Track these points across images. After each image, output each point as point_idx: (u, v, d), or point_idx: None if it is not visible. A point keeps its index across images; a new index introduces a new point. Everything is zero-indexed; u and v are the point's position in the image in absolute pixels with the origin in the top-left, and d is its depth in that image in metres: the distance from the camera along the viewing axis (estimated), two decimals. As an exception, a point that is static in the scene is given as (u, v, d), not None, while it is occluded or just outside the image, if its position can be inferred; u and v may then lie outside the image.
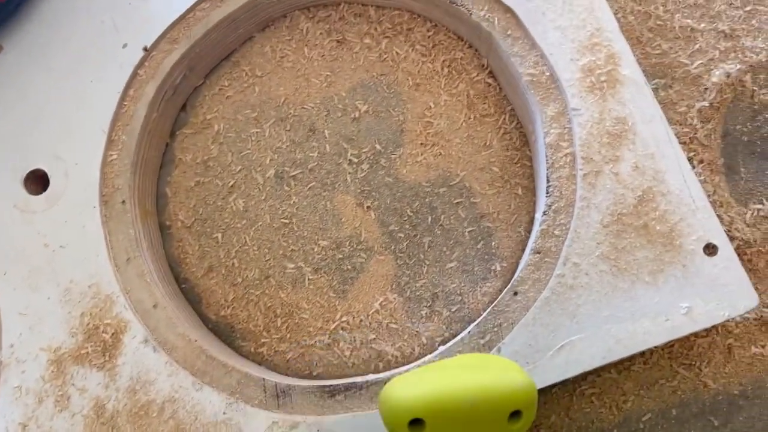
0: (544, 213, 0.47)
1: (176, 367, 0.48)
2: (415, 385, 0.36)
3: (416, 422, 0.35)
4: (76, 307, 0.50)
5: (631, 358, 0.50)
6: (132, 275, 0.51)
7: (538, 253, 0.47)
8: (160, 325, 0.50)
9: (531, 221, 0.53)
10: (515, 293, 0.46)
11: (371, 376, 0.49)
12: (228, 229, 0.57)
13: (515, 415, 0.36)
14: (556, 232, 0.47)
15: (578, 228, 0.46)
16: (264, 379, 0.48)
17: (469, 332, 0.47)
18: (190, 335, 0.50)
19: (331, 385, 0.48)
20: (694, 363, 0.49)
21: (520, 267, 0.48)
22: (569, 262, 0.46)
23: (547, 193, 0.47)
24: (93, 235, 0.52)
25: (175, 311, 0.51)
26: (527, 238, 0.53)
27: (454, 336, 0.52)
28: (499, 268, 0.53)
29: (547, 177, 0.47)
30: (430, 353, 0.51)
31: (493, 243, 0.54)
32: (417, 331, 0.53)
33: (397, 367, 0.52)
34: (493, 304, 0.47)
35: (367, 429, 0.46)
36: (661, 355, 0.49)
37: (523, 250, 0.53)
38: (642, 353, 0.50)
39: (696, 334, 0.49)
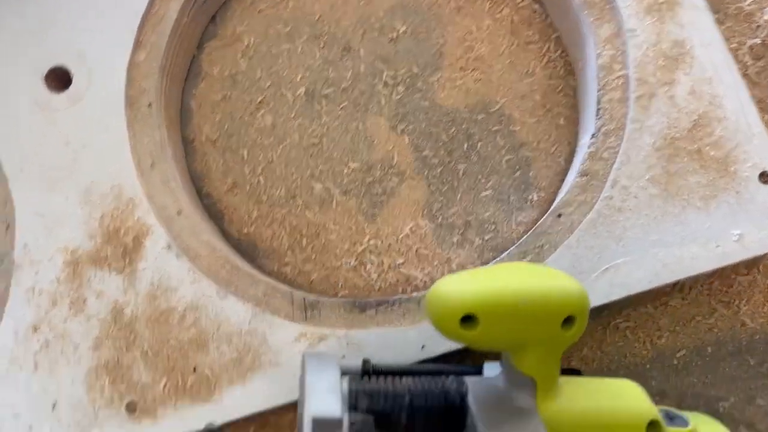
0: (593, 136, 0.46)
1: (199, 275, 0.47)
2: (468, 281, 0.35)
3: (468, 320, 0.34)
4: (96, 209, 0.48)
5: (669, 293, 0.49)
6: (156, 180, 0.49)
7: (585, 175, 0.45)
8: (183, 232, 0.48)
9: (572, 152, 0.52)
10: (559, 215, 0.45)
11: (403, 296, 0.48)
12: (254, 146, 0.55)
13: (568, 321, 0.35)
14: (604, 155, 0.45)
15: (629, 151, 0.45)
16: (292, 291, 0.47)
17: (508, 253, 0.45)
18: (215, 244, 0.48)
19: (361, 301, 0.46)
20: (733, 301, 0.48)
21: (565, 189, 0.46)
22: (618, 184, 0.44)
23: (597, 115, 0.46)
24: (117, 136, 0.49)
25: (199, 221, 0.49)
26: (567, 168, 0.52)
27: (487, 264, 0.51)
28: (536, 198, 0.52)
29: (598, 99, 0.46)
30: (461, 280, 0.50)
31: (531, 173, 0.53)
32: (448, 258, 0.52)
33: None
34: (535, 226, 0.46)
35: (398, 344, 0.44)
36: (699, 291, 0.49)
37: (562, 180, 0.52)
38: (680, 288, 0.49)
39: (737, 272, 0.48)
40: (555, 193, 0.51)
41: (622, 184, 0.44)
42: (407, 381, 0.37)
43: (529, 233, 0.46)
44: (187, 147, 0.56)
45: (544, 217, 0.46)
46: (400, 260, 0.52)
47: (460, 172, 0.53)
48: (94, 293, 0.47)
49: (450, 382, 0.37)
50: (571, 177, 0.49)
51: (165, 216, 0.49)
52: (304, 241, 0.53)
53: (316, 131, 0.55)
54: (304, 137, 0.55)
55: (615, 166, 0.45)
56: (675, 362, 0.49)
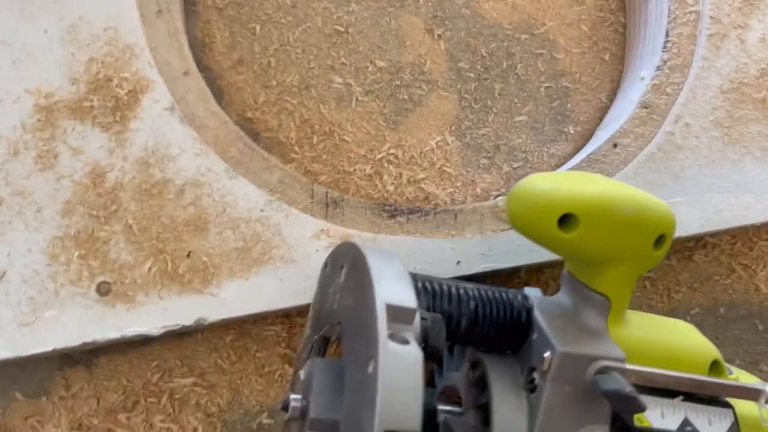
0: (658, 68, 0.43)
1: (206, 148, 0.40)
2: (564, 180, 0.31)
3: (565, 221, 0.30)
4: (83, 51, 0.40)
5: (693, 248, 0.48)
6: (162, 31, 0.42)
7: (646, 108, 0.43)
8: (190, 97, 0.41)
9: (614, 90, 0.50)
10: (615, 145, 0.43)
11: (438, 207, 0.43)
12: (269, 22, 0.48)
13: (659, 241, 0.32)
14: (668, 90, 0.43)
15: (695, 88, 0.43)
16: (313, 183, 0.41)
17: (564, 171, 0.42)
18: (225, 117, 0.42)
19: (392, 206, 0.41)
20: (751, 265, 0.48)
21: (607, 125, 0.44)
22: (681, 121, 0.42)
23: (663, 48, 0.44)
24: (119, -31, 0.41)
25: (206, 88, 0.42)
26: (607, 106, 0.49)
27: (512, 193, 0.48)
28: (572, 132, 0.49)
29: (666, 32, 0.44)
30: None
31: (569, 105, 0.50)
32: (472, 180, 0.48)
33: (445, 214, 0.46)
34: (589, 153, 0.43)
35: (431, 256, 0.40)
36: (722, 251, 0.48)
37: (600, 118, 0.49)
38: (704, 245, 0.48)
39: (759, 236, 0.48)
40: (592, 130, 0.49)
41: (685, 121, 0.42)
42: (470, 288, 0.33)
43: (581, 158, 0.43)
44: (188, 9, 0.48)
45: (600, 144, 0.43)
46: (421, 175, 0.47)
47: (496, 92, 0.49)
48: (69, 149, 0.39)
49: (513, 296, 0.33)
50: (617, 111, 0.47)
51: (169, 74, 0.41)
52: (315, 138, 0.47)
53: (343, 19, 0.49)
54: (328, 23, 0.49)
55: (679, 101, 0.43)
56: (688, 319, 0.48)
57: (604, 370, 0.31)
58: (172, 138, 0.40)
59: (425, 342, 0.29)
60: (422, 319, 0.30)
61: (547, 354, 0.31)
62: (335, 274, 0.35)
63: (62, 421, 0.43)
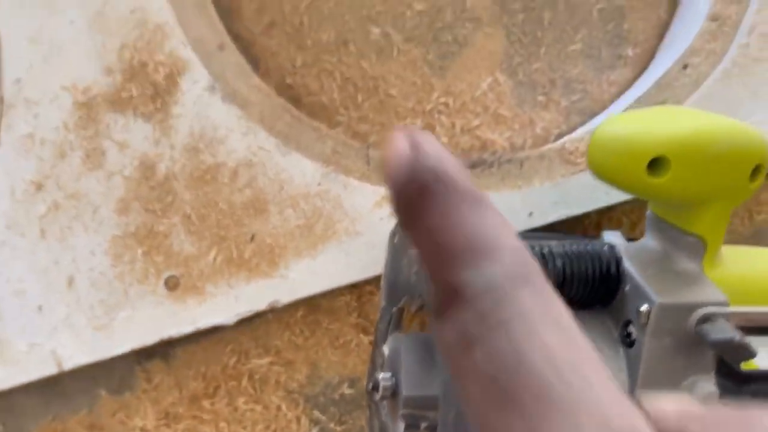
0: (725, -26, 0.40)
1: (253, 125, 0.39)
2: (648, 121, 0.29)
3: (655, 164, 0.29)
4: (113, 38, 0.39)
5: (774, 166, 0.45)
6: (189, 4, 0.40)
7: (715, 20, 0.40)
8: (228, 72, 0.40)
9: (673, 3, 0.47)
10: (684, 66, 0.40)
11: (489, 155, 0.42)
12: (296, -22, 0.46)
13: (755, 171, 0.30)
14: (738, -2, 0.40)
15: (769, -7, 0.39)
16: (367, 148, 0.40)
17: (626, 109, 0.40)
18: (267, 90, 0.40)
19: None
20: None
21: (693, 36, 0.41)
22: (755, 31, 0.39)
23: (730, -50, 0.40)
24: (135, -56, 0.39)
25: (244, 60, 0.41)
26: (668, 22, 0.46)
27: (573, 129, 0.46)
28: (630, 54, 0.46)
29: (731, -69, 0.40)
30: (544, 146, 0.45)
31: (626, 25, 0.47)
32: (530, 120, 0.46)
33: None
34: (657, 78, 0.40)
35: (501, 209, 0.38)
36: (807, 164, 0.45)
37: (660, 36, 0.46)
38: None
39: None
40: (653, 50, 0.46)
41: (760, 30, 0.39)
42: (553, 245, 0.32)
43: (651, 85, 0.40)
44: (209, -26, 0.46)
45: (669, 66, 0.40)
46: (476, 122, 0.46)
47: (545, 22, 0.47)
48: (115, 144, 0.38)
49: (600, 246, 0.32)
50: (681, 26, 0.44)
51: (204, 51, 0.40)
52: (360, 97, 0.46)
53: (373, -37, 0.47)
54: (357, -30, 0.47)
55: (752, 8, 0.39)
56: (774, 240, 0.46)
57: (707, 318, 0.30)
58: (217, 119, 0.39)
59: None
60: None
61: (644, 307, 0.30)
62: (407, 245, 0.34)
63: (149, 412, 0.44)
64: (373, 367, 0.36)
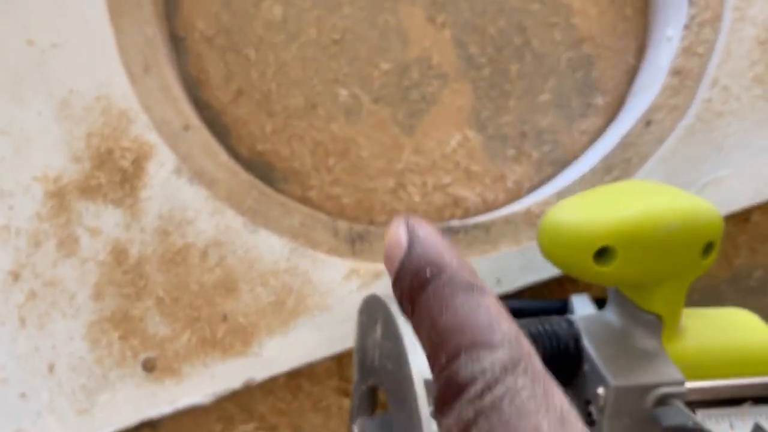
0: (686, 27, 0.40)
1: (220, 204, 0.39)
2: (595, 207, 0.30)
3: (602, 253, 0.29)
4: (80, 126, 0.40)
5: (748, 209, 0.45)
6: (153, 88, 0.41)
7: (678, 74, 0.40)
8: (194, 152, 0.40)
9: (640, 48, 0.46)
10: (648, 123, 0.40)
11: (456, 222, 0.42)
12: (262, 44, 0.47)
13: (707, 248, 0.30)
14: (699, 50, 0.40)
15: (729, 45, 0.39)
16: (335, 220, 0.40)
17: (592, 169, 0.40)
18: (233, 167, 0.41)
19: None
20: (816, 215, 0.45)
21: (637, 91, 0.41)
22: (718, 84, 0.39)
23: (690, 2, 0.40)
24: (98, 32, 0.40)
25: (210, 138, 0.41)
26: (636, 67, 0.46)
27: (546, 181, 0.46)
28: (601, 103, 0.46)
29: (690, -17, 0.40)
30: (517, 200, 0.45)
31: (594, 73, 0.47)
32: (502, 174, 0.46)
33: (478, 216, 0.45)
34: (623, 136, 0.40)
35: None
36: (782, 206, 0.45)
37: (630, 82, 0.46)
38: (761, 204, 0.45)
39: (822, 182, 0.45)
40: (623, 96, 0.46)
41: (723, 83, 0.39)
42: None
43: (616, 144, 0.40)
44: (178, 46, 0.46)
45: (633, 125, 0.40)
46: (447, 179, 0.46)
47: (512, 74, 0.47)
48: (87, 231, 0.39)
49: (558, 323, 0.33)
50: (646, 77, 0.44)
51: (169, 132, 0.40)
52: (331, 160, 0.46)
53: (338, 25, 0.47)
54: (323, 33, 0.47)
55: (713, 62, 0.39)
56: (752, 283, 0.46)
57: (663, 400, 0.30)
58: (185, 201, 0.39)
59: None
60: (464, 382, 0.29)
61: (600, 390, 0.30)
62: (372, 328, 0.35)
63: (140, 483, 0.45)
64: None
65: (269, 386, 0.45)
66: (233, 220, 0.39)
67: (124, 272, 0.39)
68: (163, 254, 0.39)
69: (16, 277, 0.39)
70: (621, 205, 0.30)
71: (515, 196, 0.46)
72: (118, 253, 0.39)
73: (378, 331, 0.33)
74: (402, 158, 0.46)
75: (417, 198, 0.46)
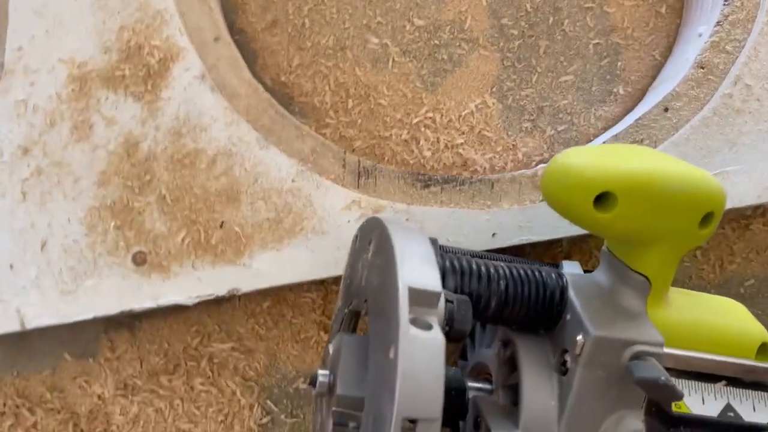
0: (718, 23, 0.40)
1: (237, 117, 0.39)
2: (603, 155, 0.30)
3: (603, 199, 0.29)
4: (114, 18, 0.40)
5: (751, 216, 0.45)
6: (191, -5, 0.41)
7: (702, 68, 0.40)
8: (221, 64, 0.41)
9: (669, 47, 0.47)
10: (666, 109, 0.40)
11: (474, 176, 0.42)
12: (303, -19, 0.47)
13: (706, 219, 0.30)
14: (728, 48, 0.40)
15: (758, 46, 0.39)
16: (345, 153, 0.40)
17: (603, 144, 0.40)
18: (256, 85, 0.41)
19: (426, 175, 0.40)
20: (813, 235, 0.45)
21: (658, 86, 0.41)
22: (741, 82, 0.39)
23: (725, 1, 0.40)
24: (148, -69, 0.40)
25: (238, 55, 0.42)
26: (661, 64, 0.46)
27: (555, 158, 0.46)
28: (621, 92, 0.46)
29: (729, -17, 0.40)
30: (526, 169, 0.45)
31: (620, 63, 0.47)
32: (513, 144, 0.46)
33: (484, 180, 0.45)
34: (637, 118, 0.40)
35: (466, 228, 0.39)
36: (783, 220, 0.45)
37: (653, 77, 0.46)
38: (763, 213, 0.45)
39: (824, 205, 0.45)
40: (644, 90, 0.46)
41: (746, 82, 0.39)
42: (500, 266, 0.32)
43: (629, 124, 0.40)
44: (221, -32, 0.47)
45: (649, 108, 0.40)
46: (460, 140, 0.46)
47: (541, 50, 0.47)
48: (103, 119, 0.39)
49: (548, 272, 0.32)
50: (670, 70, 0.44)
51: (199, 40, 0.41)
52: (351, 102, 0.46)
53: (379, -25, 0.47)
54: (363, -20, 0.47)
55: (740, 60, 0.39)
56: (742, 291, 0.46)
57: (639, 356, 0.30)
58: (204, 107, 0.40)
59: (450, 325, 0.28)
60: (447, 301, 0.29)
61: (579, 337, 0.30)
62: (364, 249, 0.34)
63: (108, 381, 0.45)
64: (321, 364, 0.36)
65: (252, 308, 0.45)
66: (247, 133, 0.39)
67: (132, 165, 0.39)
68: (172, 155, 0.39)
69: (25, 152, 0.39)
70: (628, 157, 0.30)
71: (523, 167, 0.46)
72: (130, 146, 0.39)
73: (370, 251, 0.33)
74: (420, 113, 0.46)
75: (427, 153, 0.46)
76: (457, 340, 0.29)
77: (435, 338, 0.27)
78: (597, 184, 0.29)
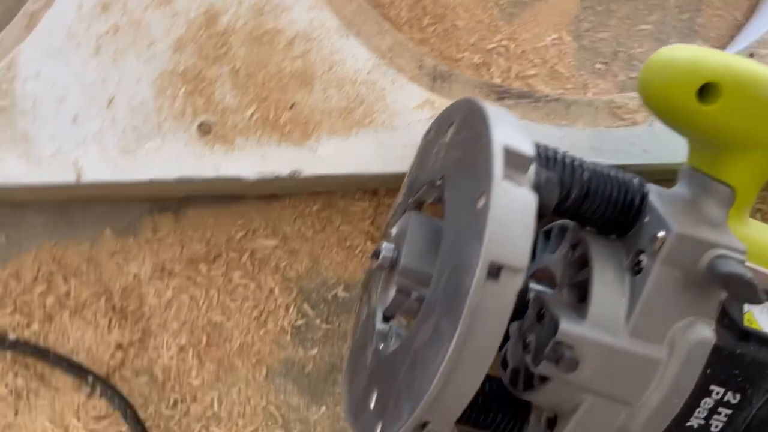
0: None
1: (321, 2, 0.39)
2: (706, 50, 0.29)
3: (705, 91, 0.28)
4: None
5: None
6: None
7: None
8: (310, -50, 0.40)
9: (752, 7, 0.46)
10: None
11: (550, 94, 0.41)
12: None
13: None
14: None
15: None
16: (422, 55, 0.40)
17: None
18: (342, -23, 0.41)
19: (502, 87, 0.40)
20: None
21: (762, 32, 0.41)
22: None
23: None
24: None
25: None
26: (742, 25, 0.46)
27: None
28: (698, 47, 0.46)
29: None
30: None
31: (700, 19, 0.47)
32: (584, 84, 0.46)
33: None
34: (721, 58, 0.40)
35: (538, 140, 0.38)
36: None
37: (733, 36, 0.46)
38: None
39: None
40: (721, 49, 0.46)
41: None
42: (585, 161, 0.31)
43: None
44: None
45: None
46: (532, 71, 0.46)
47: (622, -4, 0.47)
48: (187, -14, 0.39)
49: (630, 177, 0.32)
50: (751, 29, 0.44)
51: (293, -77, 0.40)
52: (426, 20, 0.46)
53: None
54: None
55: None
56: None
57: (721, 258, 0.29)
58: (289, -12, 0.39)
59: (538, 195, 0.28)
60: (537, 173, 0.28)
61: (661, 233, 0.29)
62: (440, 136, 0.34)
63: (146, 261, 0.44)
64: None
65: (301, 209, 0.44)
66: (329, 20, 0.39)
67: (210, 36, 0.39)
68: (251, 30, 0.39)
69: (105, 8, 0.39)
70: (736, 56, 0.29)
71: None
72: (211, 17, 0.39)
73: (449, 134, 0.32)
74: (494, 39, 0.46)
75: (497, 80, 0.45)
76: (540, 214, 0.28)
77: (527, 194, 0.26)
78: (702, 73, 0.28)
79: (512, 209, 0.25)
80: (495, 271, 0.25)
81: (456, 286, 0.26)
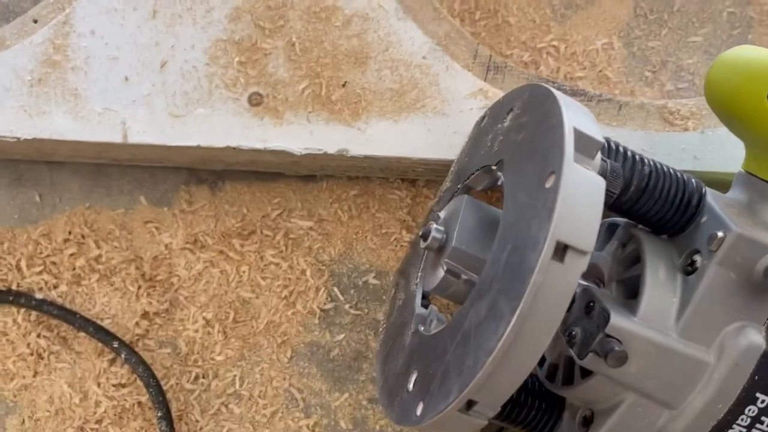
0: None
1: (381, -15, 0.39)
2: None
3: (776, 91, 0.28)
4: None
5: None
6: None
7: None
8: (373, -67, 0.40)
9: (804, 30, 0.46)
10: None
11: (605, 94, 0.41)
12: None
13: None
14: None
15: None
16: (478, 44, 0.40)
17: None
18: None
19: (556, 83, 0.40)
20: None
21: None
22: None
23: None
24: None
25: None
26: (793, 44, 0.46)
27: (670, 114, 0.45)
28: (748, 63, 0.46)
29: None
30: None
31: (751, 36, 0.47)
32: (631, 90, 0.46)
33: (597, 118, 0.44)
34: None
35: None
36: None
37: (783, 56, 0.46)
38: None
39: None
40: (771, 66, 0.46)
41: None
42: (646, 157, 0.31)
43: None
44: None
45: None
46: (580, 74, 0.46)
47: (675, 6, 0.47)
48: (248, -42, 0.39)
49: (688, 176, 0.32)
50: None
51: None
52: (478, 14, 0.46)
53: None
54: None
55: None
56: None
57: (778, 264, 0.28)
58: (350, -33, 0.39)
59: (602, 181, 0.28)
60: (603, 160, 0.28)
61: (720, 233, 0.29)
62: (496, 123, 0.34)
63: (179, 232, 0.43)
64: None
65: (339, 193, 0.44)
66: (387, 2, 0.39)
67: (268, 8, 0.39)
68: (310, 6, 0.39)
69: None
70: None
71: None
72: (270, -14, 0.39)
73: (509, 118, 0.32)
74: (545, 39, 0.46)
75: (545, 76, 0.45)
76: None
77: (597, 176, 0.26)
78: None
79: (582, 191, 0.25)
80: (561, 251, 0.24)
81: (517, 265, 0.26)
